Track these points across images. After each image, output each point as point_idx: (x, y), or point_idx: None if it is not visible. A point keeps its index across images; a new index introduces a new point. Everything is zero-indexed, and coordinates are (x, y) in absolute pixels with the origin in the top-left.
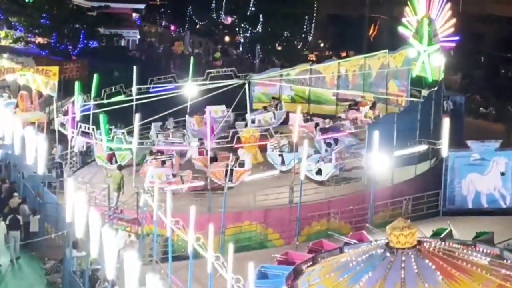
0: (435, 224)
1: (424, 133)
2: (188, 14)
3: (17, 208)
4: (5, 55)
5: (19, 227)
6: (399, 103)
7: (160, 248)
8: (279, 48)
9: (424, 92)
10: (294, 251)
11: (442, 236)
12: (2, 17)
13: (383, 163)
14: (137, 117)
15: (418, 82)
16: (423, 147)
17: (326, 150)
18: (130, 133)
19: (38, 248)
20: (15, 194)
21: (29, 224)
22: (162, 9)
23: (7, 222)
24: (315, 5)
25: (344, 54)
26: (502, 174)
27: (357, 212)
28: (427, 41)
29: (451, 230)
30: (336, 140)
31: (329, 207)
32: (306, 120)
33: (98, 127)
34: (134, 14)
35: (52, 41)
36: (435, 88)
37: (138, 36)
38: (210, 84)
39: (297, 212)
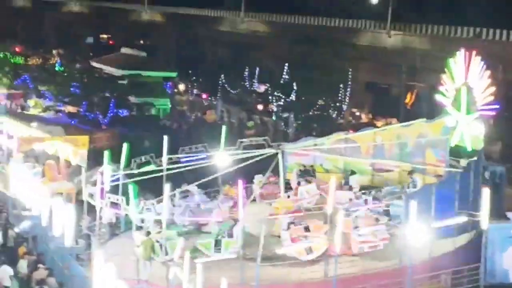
0: None
1: (463, 204)
2: (220, 82)
3: (44, 279)
4: (33, 124)
5: None
6: (437, 173)
7: None
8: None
9: (463, 162)
10: None
11: None
12: (31, 86)
13: (421, 235)
14: (167, 187)
15: (456, 152)
16: (462, 219)
17: None
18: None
19: None
20: (40, 265)
21: None
22: (194, 77)
23: None
24: (350, 73)
25: (384, 121)
26: None
27: (393, 286)
28: (466, 109)
29: None
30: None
31: (365, 281)
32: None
33: (127, 198)
34: (165, 82)
35: (81, 109)
36: (475, 158)
37: (169, 105)
38: (242, 153)
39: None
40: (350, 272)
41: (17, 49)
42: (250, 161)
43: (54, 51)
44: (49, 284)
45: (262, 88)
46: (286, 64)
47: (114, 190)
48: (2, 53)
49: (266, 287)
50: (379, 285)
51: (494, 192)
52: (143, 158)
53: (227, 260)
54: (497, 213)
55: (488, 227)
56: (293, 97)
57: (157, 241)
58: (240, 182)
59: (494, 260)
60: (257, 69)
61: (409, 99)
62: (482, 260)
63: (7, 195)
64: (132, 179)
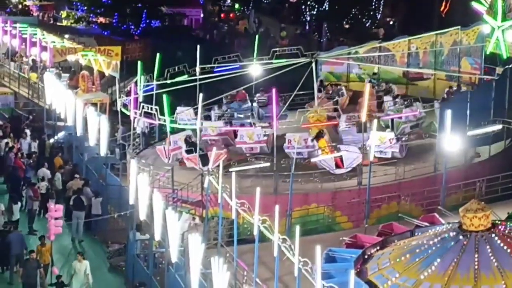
0: (510, 207)
1: (498, 112)
2: None
3: (80, 189)
4: (66, 36)
5: (83, 208)
6: (472, 81)
7: (225, 231)
8: (347, 26)
9: (499, 70)
10: (363, 234)
11: None
12: None
13: (455, 143)
14: (200, 97)
15: (492, 59)
16: (497, 127)
17: None
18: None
19: (100, 231)
20: (77, 176)
21: (91, 206)
22: None
23: (71, 203)
24: None
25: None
26: None
27: (428, 194)
28: (502, 16)
29: None
30: None
31: (400, 189)
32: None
33: (161, 108)
34: None
35: (114, 21)
36: (510, 66)
37: (202, 15)
38: (275, 63)
39: (366, 194)
40: (384, 181)
41: None
42: (284, 70)
43: None
44: (85, 194)
45: None
46: None
47: (148, 100)
48: None
49: (300, 195)
50: (413, 193)
51: None
52: (176, 68)
53: (262, 170)
54: None
55: None
56: (326, 6)
57: None
58: (273, 91)
59: None
60: None
61: (444, 6)
62: None
63: (42, 106)
64: (165, 89)
